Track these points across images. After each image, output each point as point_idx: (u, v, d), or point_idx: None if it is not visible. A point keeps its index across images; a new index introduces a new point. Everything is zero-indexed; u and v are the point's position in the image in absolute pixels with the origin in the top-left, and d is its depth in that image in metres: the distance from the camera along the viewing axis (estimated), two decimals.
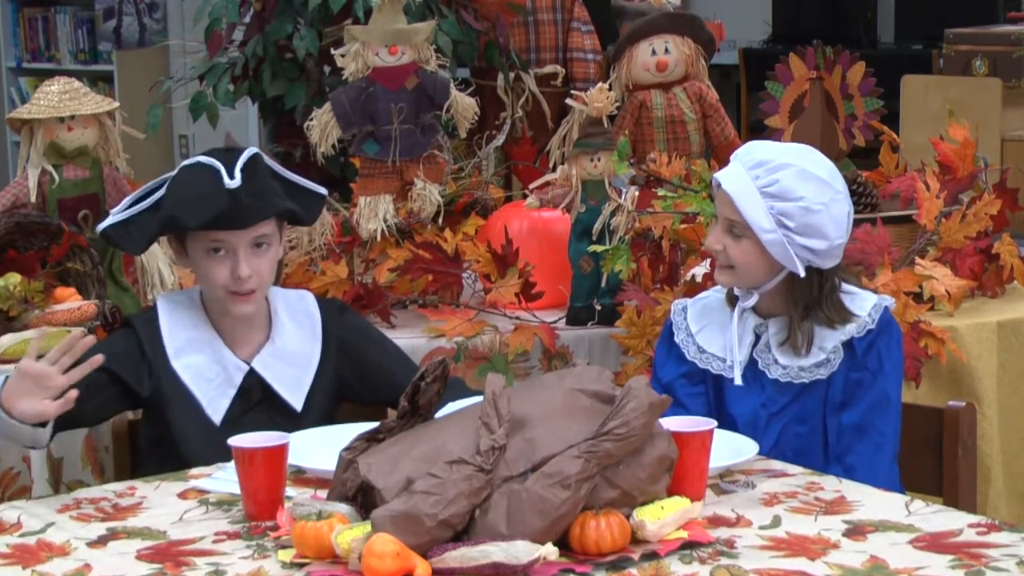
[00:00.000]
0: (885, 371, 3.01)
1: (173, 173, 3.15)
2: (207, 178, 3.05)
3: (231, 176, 3.03)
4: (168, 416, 3.10)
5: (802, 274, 2.98)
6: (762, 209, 2.95)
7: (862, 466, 2.96)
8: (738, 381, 3.04)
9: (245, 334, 3.16)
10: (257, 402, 3.14)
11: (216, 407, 3.11)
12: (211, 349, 3.13)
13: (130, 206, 3.15)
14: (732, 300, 3.08)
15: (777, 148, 3.03)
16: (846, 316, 3.01)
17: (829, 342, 3.01)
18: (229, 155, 3.08)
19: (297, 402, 3.16)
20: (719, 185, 3.01)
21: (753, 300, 3.04)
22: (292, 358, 3.17)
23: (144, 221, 3.14)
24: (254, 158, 3.09)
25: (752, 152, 3.01)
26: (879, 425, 2.99)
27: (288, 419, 3.07)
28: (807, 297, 3.01)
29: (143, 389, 3.11)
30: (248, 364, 3.14)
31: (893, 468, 3.02)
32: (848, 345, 3.00)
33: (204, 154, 3.11)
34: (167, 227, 3.13)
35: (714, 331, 3.10)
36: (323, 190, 3.29)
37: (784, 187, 2.94)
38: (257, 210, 3.08)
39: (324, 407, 3.19)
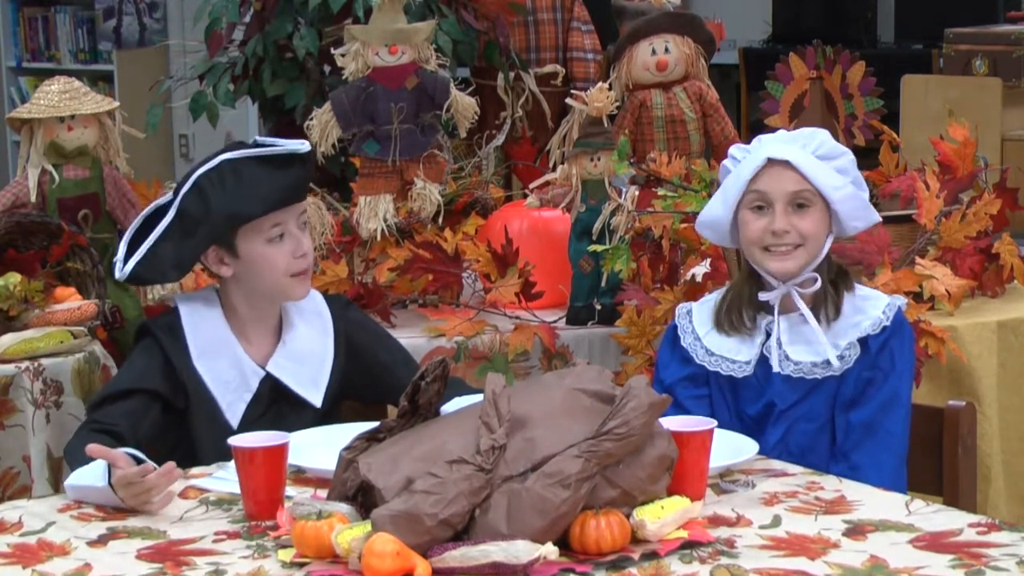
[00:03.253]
0: (897, 371, 3.01)
1: (184, 189, 3.07)
2: (255, 166, 3.03)
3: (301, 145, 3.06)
4: (189, 420, 3.10)
5: (879, 220, 3.05)
6: (826, 169, 2.98)
7: (869, 465, 2.95)
8: (776, 367, 3.02)
9: (260, 336, 3.15)
10: (273, 404, 3.13)
11: (234, 411, 3.11)
12: (230, 351, 3.12)
13: (131, 241, 3.10)
14: (751, 302, 3.07)
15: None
16: (840, 310, 3.01)
17: (843, 339, 3.01)
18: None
19: (316, 399, 3.15)
20: (768, 163, 2.98)
21: (796, 283, 3.00)
22: (305, 357, 3.17)
23: (179, 242, 3.07)
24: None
25: (780, 134, 3.06)
26: (888, 425, 2.99)
27: (308, 416, 3.07)
28: (825, 274, 3.03)
29: (178, 400, 3.10)
30: (263, 369, 3.14)
31: (901, 469, 3.01)
32: (863, 343, 3.00)
33: (229, 149, 3.09)
34: (227, 227, 3.05)
35: (723, 332, 3.10)
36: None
37: (830, 148, 3.01)
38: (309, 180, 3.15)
39: (338, 403, 3.20)
